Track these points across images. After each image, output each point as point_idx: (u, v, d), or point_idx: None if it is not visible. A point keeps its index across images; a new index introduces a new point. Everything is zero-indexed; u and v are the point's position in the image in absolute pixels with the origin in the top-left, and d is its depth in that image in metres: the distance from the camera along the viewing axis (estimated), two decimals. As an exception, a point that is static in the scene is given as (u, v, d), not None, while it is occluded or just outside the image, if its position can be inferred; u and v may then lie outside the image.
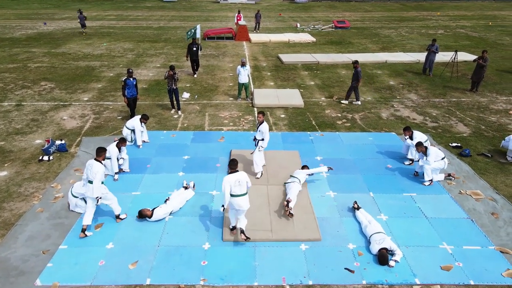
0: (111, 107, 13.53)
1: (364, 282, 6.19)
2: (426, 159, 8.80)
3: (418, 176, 9.25)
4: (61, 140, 10.62)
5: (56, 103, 13.85)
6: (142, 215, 7.42)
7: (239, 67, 13.62)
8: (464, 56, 20.21)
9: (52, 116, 12.70)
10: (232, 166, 6.82)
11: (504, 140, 10.53)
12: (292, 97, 14.20)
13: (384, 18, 37.18)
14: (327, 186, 8.85)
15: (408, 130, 9.73)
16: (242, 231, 6.90)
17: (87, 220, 7.11)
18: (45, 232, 7.25)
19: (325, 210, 7.98)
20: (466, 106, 14.17)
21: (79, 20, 26.23)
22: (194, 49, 16.30)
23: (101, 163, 7.05)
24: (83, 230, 7.09)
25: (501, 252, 6.84)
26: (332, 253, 6.80)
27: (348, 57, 20.22)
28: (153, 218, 7.41)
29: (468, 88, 15.94)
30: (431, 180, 8.90)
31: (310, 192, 8.53)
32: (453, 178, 9.15)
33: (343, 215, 7.86)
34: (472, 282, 6.19)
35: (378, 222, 7.46)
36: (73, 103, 13.87)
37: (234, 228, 7.16)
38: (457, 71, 17.47)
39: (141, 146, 10.50)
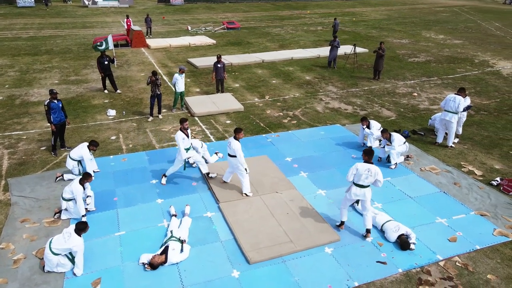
0: (24, 137, 11.15)
1: (400, 270, 6.47)
2: (391, 144, 9.61)
3: (381, 161, 10.03)
4: (-19, 187, 8.35)
5: None
6: (156, 266, 6.28)
7: (176, 75, 12.64)
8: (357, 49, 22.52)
9: None
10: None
11: (431, 119, 12.17)
12: (229, 102, 13.87)
13: (264, 17, 38.97)
14: (313, 185, 8.93)
15: (365, 120, 10.46)
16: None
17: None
18: (26, 309, 5.64)
19: (325, 209, 8.05)
20: (378, 93, 15.89)
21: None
22: (106, 62, 14.49)
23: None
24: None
25: (480, 215, 7.92)
26: (357, 250, 6.92)
27: (257, 57, 20.65)
28: (168, 263, 6.37)
29: (371, 77, 17.89)
30: (396, 164, 9.76)
31: (301, 194, 8.48)
32: (410, 158, 10.21)
33: (344, 210, 8.04)
34: (477, 247, 7.02)
35: (377, 210, 7.87)
36: (-33, 138, 11.00)
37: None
38: (356, 62, 19.45)
39: (93, 178, 8.93)
